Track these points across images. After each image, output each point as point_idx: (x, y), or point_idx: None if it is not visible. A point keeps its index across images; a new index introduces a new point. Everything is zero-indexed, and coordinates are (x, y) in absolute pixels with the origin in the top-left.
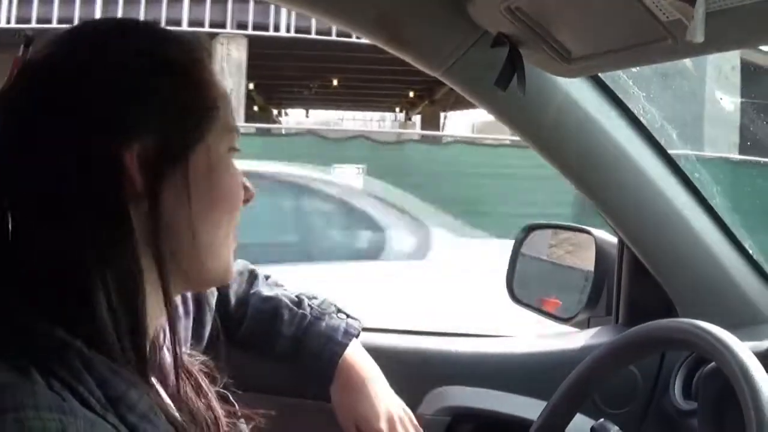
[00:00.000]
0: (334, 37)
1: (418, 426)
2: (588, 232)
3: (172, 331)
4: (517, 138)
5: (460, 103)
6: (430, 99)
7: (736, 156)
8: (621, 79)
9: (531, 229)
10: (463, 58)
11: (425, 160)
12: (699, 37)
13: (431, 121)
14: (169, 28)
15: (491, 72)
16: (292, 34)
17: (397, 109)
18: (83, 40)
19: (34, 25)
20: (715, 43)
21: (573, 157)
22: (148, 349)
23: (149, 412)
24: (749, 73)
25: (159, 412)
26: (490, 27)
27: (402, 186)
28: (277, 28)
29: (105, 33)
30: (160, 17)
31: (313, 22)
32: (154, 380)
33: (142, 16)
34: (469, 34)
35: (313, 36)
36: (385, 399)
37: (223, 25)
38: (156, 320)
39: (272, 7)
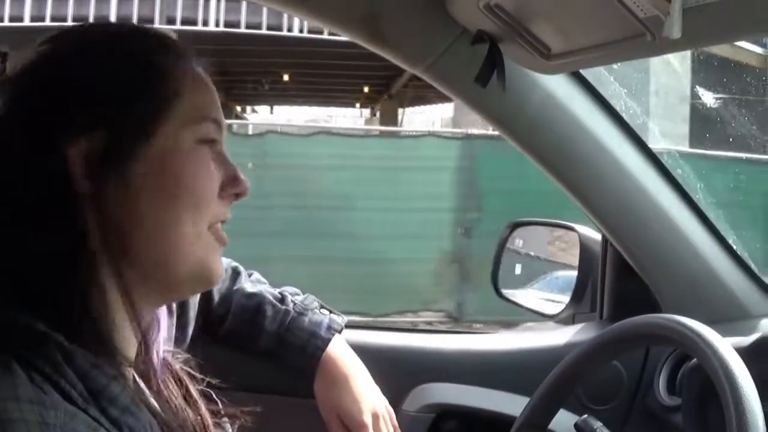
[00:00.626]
0: (283, 32)
1: (398, 426)
2: (572, 229)
3: (144, 344)
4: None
5: (419, 99)
6: (388, 94)
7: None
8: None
9: (516, 225)
10: (444, 56)
11: None
12: (676, 33)
13: (390, 117)
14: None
15: (472, 69)
16: (222, 28)
17: (358, 105)
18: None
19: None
20: (692, 39)
21: (554, 153)
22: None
23: (131, 405)
24: (700, 63)
25: (141, 405)
26: (470, 24)
27: None
28: (206, 23)
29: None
30: (88, 14)
31: (243, 16)
32: (137, 378)
33: (70, 13)
34: (449, 32)
35: (242, 30)
36: (368, 393)
37: (151, 21)
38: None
39: (201, 2)
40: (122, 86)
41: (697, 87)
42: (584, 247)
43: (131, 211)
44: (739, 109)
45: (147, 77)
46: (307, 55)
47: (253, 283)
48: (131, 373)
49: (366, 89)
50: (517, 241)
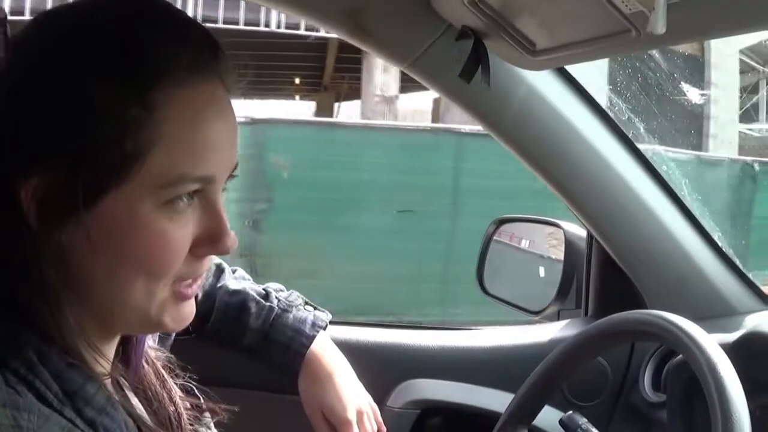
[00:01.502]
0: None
1: (382, 422)
2: (557, 225)
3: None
4: None
5: (355, 92)
6: (323, 86)
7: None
8: None
9: (501, 222)
10: (429, 51)
11: None
12: (660, 29)
13: (327, 111)
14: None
15: (456, 64)
16: None
17: (297, 97)
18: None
19: None
20: (676, 34)
21: (539, 149)
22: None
23: (107, 405)
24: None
25: (117, 405)
26: (455, 20)
27: None
28: None
29: (25, 50)
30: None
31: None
32: (118, 375)
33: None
34: (434, 28)
35: None
36: (352, 390)
37: None
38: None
39: None
40: (76, 130)
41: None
42: (569, 244)
43: (78, 259)
44: (653, 99)
45: (108, 124)
46: (238, 46)
47: (236, 279)
48: (108, 371)
49: (297, 81)
50: (523, 242)
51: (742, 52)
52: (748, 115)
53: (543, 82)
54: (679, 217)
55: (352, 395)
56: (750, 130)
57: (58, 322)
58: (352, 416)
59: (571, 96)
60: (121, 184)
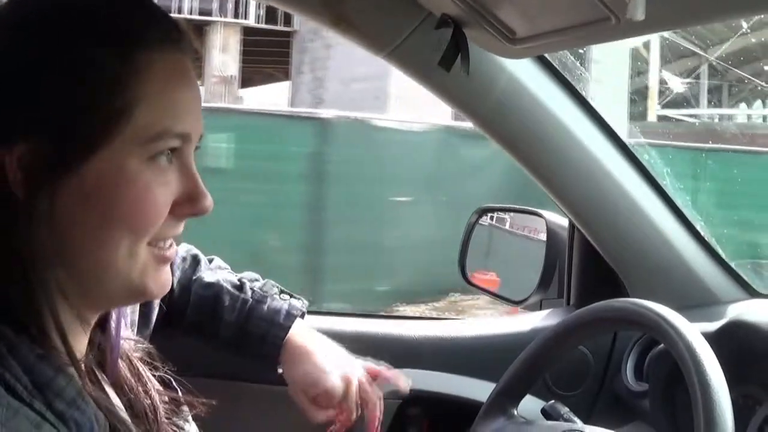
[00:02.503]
0: None
1: (374, 388)
2: (539, 215)
3: (103, 335)
4: None
5: (250, 81)
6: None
7: None
8: None
9: (483, 211)
10: (408, 40)
11: None
12: (639, 15)
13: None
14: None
15: (436, 53)
16: None
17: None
18: None
19: None
20: (656, 22)
21: (520, 138)
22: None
23: (77, 398)
24: None
25: (87, 398)
26: (434, 8)
27: None
28: None
29: (7, 23)
30: None
31: None
32: (93, 367)
33: None
34: (413, 16)
35: None
36: (335, 361)
37: None
38: (82, 333)
39: None
40: (62, 94)
41: None
42: (551, 233)
43: (64, 224)
44: None
45: (94, 85)
46: None
47: (212, 270)
48: (81, 364)
49: None
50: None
51: (683, 36)
52: (686, 100)
53: (524, 70)
54: (661, 206)
55: (335, 365)
56: (688, 116)
57: (36, 302)
58: (336, 381)
59: (552, 85)
60: (111, 140)
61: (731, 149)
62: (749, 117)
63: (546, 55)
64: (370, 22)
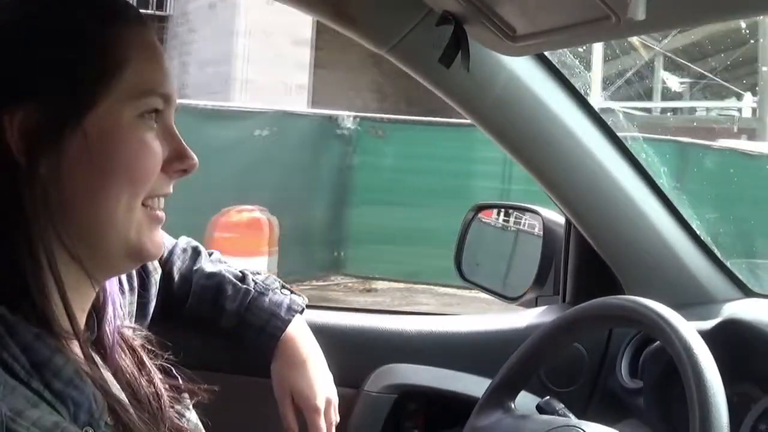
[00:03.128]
0: None
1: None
2: (535, 212)
3: (96, 317)
4: None
5: None
6: None
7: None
8: None
9: (479, 209)
10: (409, 36)
11: None
12: (640, 15)
13: None
14: None
15: (437, 50)
16: None
17: None
18: None
19: None
20: (657, 21)
21: (519, 136)
22: (79, 320)
23: (75, 377)
24: None
25: (85, 378)
26: (436, 5)
27: None
28: None
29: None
30: None
31: None
32: (90, 350)
33: None
34: (414, 12)
35: None
36: (323, 378)
37: None
38: (87, 296)
39: None
40: (61, 57)
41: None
42: (547, 230)
43: (65, 184)
44: None
45: (88, 48)
46: None
47: (213, 262)
48: (77, 345)
49: None
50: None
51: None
52: (637, 93)
53: (523, 68)
54: (657, 204)
55: (323, 383)
56: (638, 109)
57: (39, 264)
58: (320, 404)
59: (552, 83)
60: (105, 96)
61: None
62: (698, 110)
63: (546, 53)
64: (371, 18)
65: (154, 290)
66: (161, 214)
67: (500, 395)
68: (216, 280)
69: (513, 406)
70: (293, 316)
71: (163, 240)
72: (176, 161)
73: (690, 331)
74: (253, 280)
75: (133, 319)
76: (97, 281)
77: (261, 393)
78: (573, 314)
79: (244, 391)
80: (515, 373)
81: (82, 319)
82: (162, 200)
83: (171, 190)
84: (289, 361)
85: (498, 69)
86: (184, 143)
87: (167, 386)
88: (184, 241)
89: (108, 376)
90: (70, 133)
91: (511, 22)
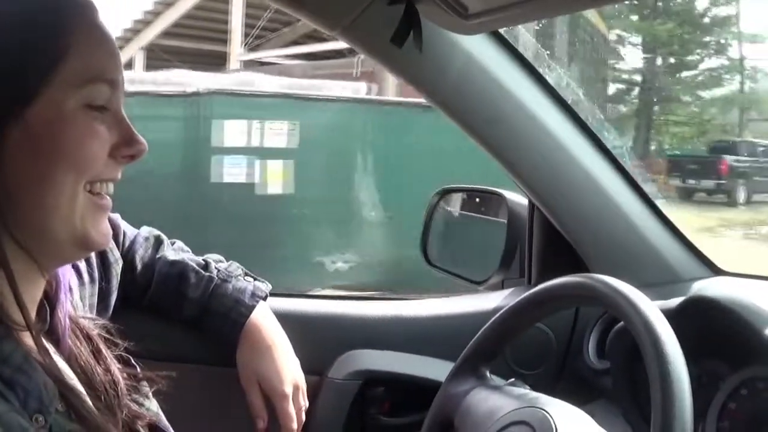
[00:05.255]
0: None
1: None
2: (499, 195)
3: (49, 306)
4: None
5: None
6: None
7: None
8: None
9: (444, 192)
10: (362, 16)
11: None
12: None
13: None
14: None
15: (390, 30)
16: None
17: None
18: None
19: None
20: None
21: (478, 117)
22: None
23: (24, 364)
24: None
25: (35, 365)
26: None
27: None
28: None
29: None
30: None
31: None
32: (44, 339)
33: None
34: None
35: None
36: (290, 364)
37: None
38: (37, 284)
39: None
40: (3, 47)
41: None
42: (512, 213)
43: (9, 174)
44: None
45: (28, 36)
46: None
47: (175, 251)
48: (29, 335)
49: None
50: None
51: None
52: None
53: (481, 48)
54: (621, 183)
55: (290, 369)
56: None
57: None
58: (288, 389)
59: (511, 63)
60: (48, 84)
61: None
62: None
63: (502, 31)
64: None
65: (115, 282)
66: (107, 201)
67: (474, 363)
68: (179, 268)
69: (487, 373)
70: (257, 302)
71: (109, 229)
72: (124, 146)
73: (649, 306)
74: (216, 267)
75: (94, 310)
76: (46, 269)
77: (226, 383)
78: (534, 294)
79: (209, 381)
80: (477, 357)
81: (33, 309)
82: (110, 186)
83: (119, 176)
84: (254, 347)
85: (454, 50)
86: (132, 128)
87: (125, 375)
88: (146, 230)
89: (61, 363)
90: (13, 123)
91: (462, 0)
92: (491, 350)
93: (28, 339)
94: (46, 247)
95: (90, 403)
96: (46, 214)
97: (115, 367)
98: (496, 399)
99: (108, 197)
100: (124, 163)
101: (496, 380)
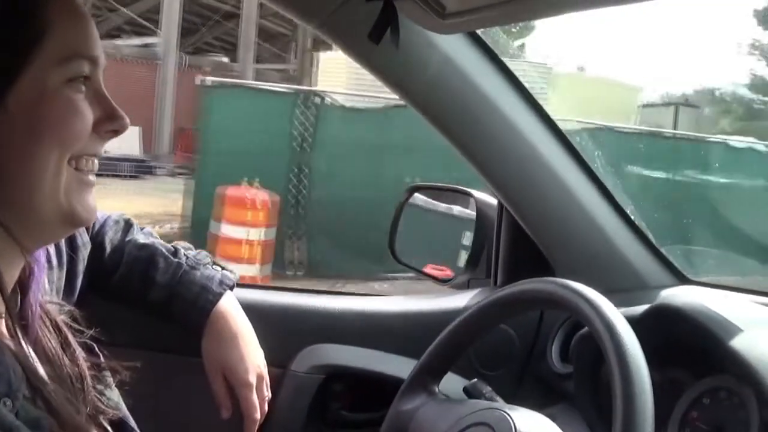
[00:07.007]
0: None
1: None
2: (469, 194)
3: (20, 291)
4: None
5: None
6: None
7: None
8: None
9: (414, 189)
10: (339, 11)
11: None
12: None
13: None
14: None
15: (367, 26)
16: None
17: None
18: None
19: None
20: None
21: (451, 117)
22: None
23: None
24: None
25: (5, 350)
26: None
27: None
28: None
29: None
30: None
31: None
32: (11, 325)
33: None
34: None
35: None
36: (254, 354)
37: None
38: (14, 267)
39: None
40: None
41: None
42: (480, 213)
43: (7, 154)
44: None
45: (10, 19)
46: None
47: (145, 235)
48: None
49: None
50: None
51: None
52: None
53: (458, 49)
54: (591, 188)
55: (254, 359)
56: None
57: None
58: (252, 379)
59: (486, 64)
60: (29, 64)
61: None
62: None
63: (479, 32)
64: None
65: (82, 266)
66: (92, 178)
67: (424, 379)
68: (148, 252)
69: (437, 389)
70: (224, 290)
71: (95, 205)
72: (107, 122)
73: (613, 312)
74: (185, 254)
75: (61, 294)
76: (28, 251)
77: (190, 372)
78: (498, 297)
79: (173, 370)
80: (440, 356)
81: (6, 294)
82: (94, 162)
83: (102, 151)
84: (219, 336)
85: (431, 49)
86: (113, 104)
87: (89, 364)
88: (117, 214)
89: (28, 350)
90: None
91: None
92: (442, 364)
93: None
94: (31, 226)
95: (56, 391)
96: (32, 192)
97: (82, 359)
98: (451, 408)
99: (92, 174)
100: (106, 138)
101: (448, 394)
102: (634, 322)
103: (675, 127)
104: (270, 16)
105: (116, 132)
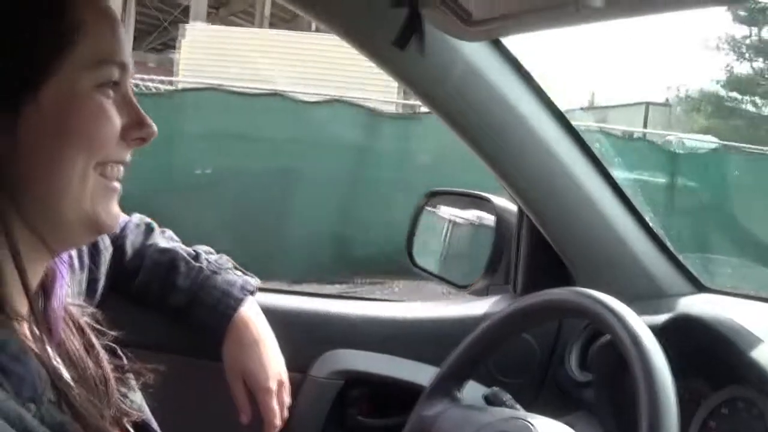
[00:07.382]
0: None
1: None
2: (488, 200)
3: (44, 294)
4: None
5: None
6: None
7: None
8: None
9: (432, 195)
10: (364, 18)
11: None
12: (598, 2)
13: None
14: None
15: (391, 32)
16: None
17: None
18: None
19: None
20: (615, 9)
21: (474, 124)
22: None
23: (20, 353)
24: None
25: (30, 353)
26: None
27: None
28: None
29: None
30: None
31: None
32: (36, 328)
33: None
34: None
35: None
36: (275, 360)
37: None
38: (38, 269)
39: None
40: (15, 28)
41: None
42: (500, 219)
43: (21, 153)
44: None
45: (40, 19)
46: None
47: (166, 239)
48: (24, 322)
49: None
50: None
51: None
52: None
53: (482, 57)
54: (611, 196)
55: (275, 365)
56: None
57: None
58: (272, 385)
59: (509, 72)
60: (60, 65)
61: None
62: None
63: (503, 40)
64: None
65: (104, 268)
66: (117, 185)
67: (447, 384)
68: (169, 256)
69: (460, 395)
70: (246, 296)
71: (119, 212)
72: (135, 129)
73: (638, 322)
74: (206, 258)
75: (83, 296)
76: (53, 254)
77: (210, 376)
78: (520, 306)
79: (194, 374)
80: (463, 363)
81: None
82: (119, 169)
83: (129, 159)
84: (241, 341)
85: (456, 56)
86: (142, 111)
87: (112, 366)
88: (138, 217)
89: (52, 353)
90: (26, 103)
91: (467, 7)
92: (465, 370)
93: (23, 327)
94: (56, 229)
95: (80, 394)
96: (58, 196)
97: (106, 362)
98: (474, 415)
99: (118, 182)
100: (133, 146)
101: (470, 399)
102: (656, 331)
103: (645, 126)
104: None
105: (144, 140)
